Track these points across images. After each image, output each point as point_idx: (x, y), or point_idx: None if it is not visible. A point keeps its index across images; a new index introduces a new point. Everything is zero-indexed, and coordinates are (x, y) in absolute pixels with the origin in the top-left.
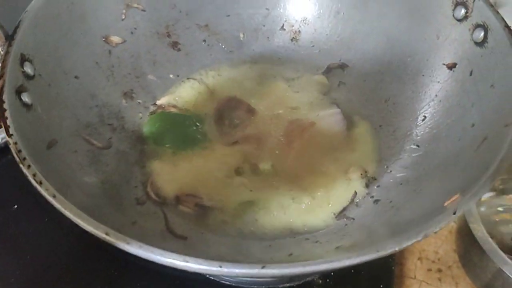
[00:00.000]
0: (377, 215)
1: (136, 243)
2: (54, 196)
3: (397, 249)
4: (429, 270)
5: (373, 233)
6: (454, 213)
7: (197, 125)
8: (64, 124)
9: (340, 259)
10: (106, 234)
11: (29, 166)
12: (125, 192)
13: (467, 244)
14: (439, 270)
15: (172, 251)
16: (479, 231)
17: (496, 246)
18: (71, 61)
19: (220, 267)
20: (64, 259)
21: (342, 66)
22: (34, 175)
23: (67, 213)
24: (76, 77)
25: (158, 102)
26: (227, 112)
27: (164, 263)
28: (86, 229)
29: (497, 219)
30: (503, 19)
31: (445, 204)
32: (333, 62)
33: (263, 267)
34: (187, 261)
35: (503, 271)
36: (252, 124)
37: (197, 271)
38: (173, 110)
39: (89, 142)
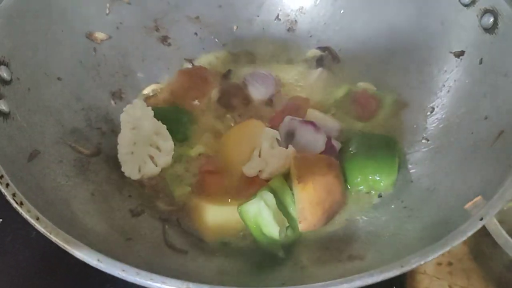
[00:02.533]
0: (388, 218)
1: (133, 269)
2: (37, 219)
3: (422, 262)
4: (439, 264)
5: (385, 240)
6: (481, 220)
7: (188, 117)
8: (47, 131)
9: (361, 278)
10: (98, 260)
11: (7, 185)
12: (118, 203)
13: (478, 236)
14: (450, 264)
15: (174, 277)
16: (491, 223)
17: (509, 238)
18: (53, 62)
19: None
20: (51, 273)
21: (334, 57)
22: (13, 195)
23: (53, 238)
24: (59, 78)
25: (144, 92)
26: (227, 96)
27: None
28: (75, 255)
29: (505, 208)
30: None
31: (466, 206)
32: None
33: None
34: None
35: None
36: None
37: None
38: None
39: (76, 150)
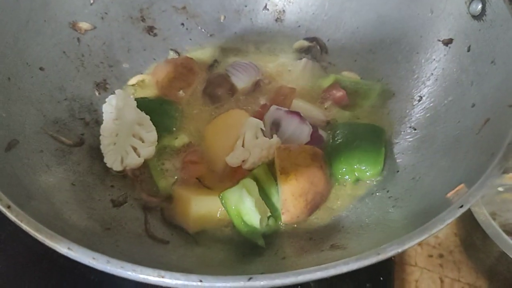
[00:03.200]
0: (373, 207)
1: (104, 257)
2: (8, 207)
3: (399, 250)
4: (430, 256)
5: (369, 230)
6: (461, 207)
7: (173, 108)
8: (27, 121)
9: (336, 266)
10: (69, 248)
11: None
12: (99, 193)
13: (469, 228)
14: (441, 256)
15: (146, 266)
16: (482, 214)
17: (499, 230)
18: (35, 52)
19: (201, 281)
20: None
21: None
22: None
23: (23, 226)
24: (41, 68)
25: (130, 83)
26: (212, 86)
27: (138, 279)
28: (46, 243)
29: (498, 200)
30: None
31: (448, 195)
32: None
33: (249, 279)
34: (162, 276)
35: (507, 255)
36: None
37: (175, 286)
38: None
39: (58, 140)
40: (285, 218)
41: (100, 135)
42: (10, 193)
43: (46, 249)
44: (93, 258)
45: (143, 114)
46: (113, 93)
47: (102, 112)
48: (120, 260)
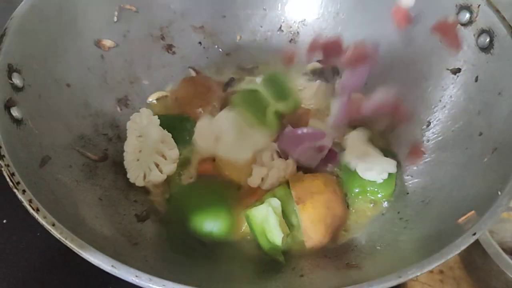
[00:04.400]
0: (385, 228)
1: (146, 275)
2: (53, 225)
3: (419, 274)
4: (431, 272)
5: (381, 251)
6: (474, 235)
7: (192, 124)
8: (56, 137)
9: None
10: (113, 266)
11: (24, 191)
12: (124, 208)
13: (470, 246)
14: (441, 272)
15: (183, 281)
16: (482, 233)
17: (499, 249)
18: (62, 69)
19: None
20: (54, 273)
21: (334, 70)
22: (30, 201)
23: (68, 243)
24: (68, 85)
25: (150, 98)
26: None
27: None
28: (90, 261)
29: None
30: (509, 25)
31: (459, 221)
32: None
33: None
34: None
35: (506, 274)
36: None
37: None
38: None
39: (84, 155)
40: (308, 245)
41: (122, 150)
42: (51, 209)
43: (64, 259)
44: (136, 276)
45: (165, 132)
46: (134, 108)
47: (124, 128)
48: (161, 278)
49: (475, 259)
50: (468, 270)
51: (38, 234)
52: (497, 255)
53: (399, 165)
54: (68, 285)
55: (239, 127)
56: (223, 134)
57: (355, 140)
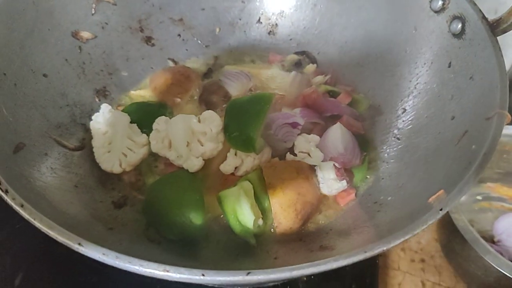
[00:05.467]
0: (360, 212)
1: (112, 253)
2: (22, 206)
3: (385, 249)
4: (412, 260)
5: (356, 232)
6: (441, 210)
7: (168, 111)
8: (32, 125)
9: (327, 262)
10: (79, 244)
11: None
12: (101, 195)
13: (449, 234)
14: (422, 260)
15: (152, 261)
16: (461, 220)
17: (478, 235)
18: (39, 59)
19: (203, 275)
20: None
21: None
22: None
23: (37, 223)
24: (44, 75)
25: (131, 95)
26: (208, 93)
27: (143, 273)
28: (58, 240)
29: (476, 208)
30: (480, 10)
31: (429, 200)
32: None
33: (248, 274)
34: (167, 271)
35: (485, 259)
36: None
37: (178, 280)
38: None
39: (61, 144)
40: (278, 230)
41: None
42: (22, 192)
43: (45, 249)
44: (103, 254)
45: (128, 123)
46: (112, 99)
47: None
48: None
49: (454, 246)
50: (448, 258)
51: (17, 227)
52: (475, 240)
53: (375, 152)
54: (50, 273)
55: (190, 134)
56: (174, 140)
57: None
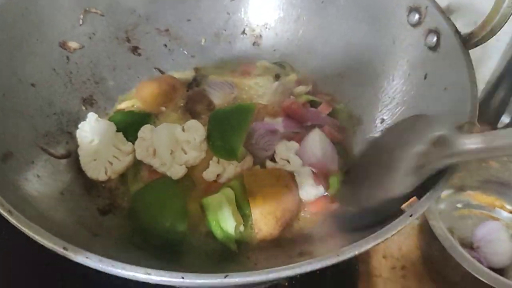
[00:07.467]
0: (336, 217)
1: (96, 256)
2: (9, 212)
3: (357, 252)
4: (393, 268)
5: (332, 238)
6: (411, 216)
7: (154, 120)
8: (20, 134)
9: (301, 265)
10: (64, 248)
11: None
12: (86, 202)
13: (429, 241)
14: (403, 267)
15: (134, 264)
16: (439, 228)
17: (455, 243)
18: (28, 69)
19: (183, 278)
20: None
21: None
22: None
23: (24, 229)
24: (32, 85)
25: (119, 107)
26: (192, 102)
27: (126, 276)
28: (44, 244)
29: (456, 215)
30: (453, 24)
31: (403, 206)
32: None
33: (226, 277)
34: (149, 274)
35: (462, 266)
36: None
37: (159, 282)
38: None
39: (47, 152)
40: (259, 236)
41: None
42: (10, 199)
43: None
44: (87, 257)
45: (115, 132)
46: (99, 108)
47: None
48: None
49: (434, 254)
50: (428, 265)
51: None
52: (453, 248)
53: (354, 160)
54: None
55: (174, 143)
56: (159, 148)
57: None
